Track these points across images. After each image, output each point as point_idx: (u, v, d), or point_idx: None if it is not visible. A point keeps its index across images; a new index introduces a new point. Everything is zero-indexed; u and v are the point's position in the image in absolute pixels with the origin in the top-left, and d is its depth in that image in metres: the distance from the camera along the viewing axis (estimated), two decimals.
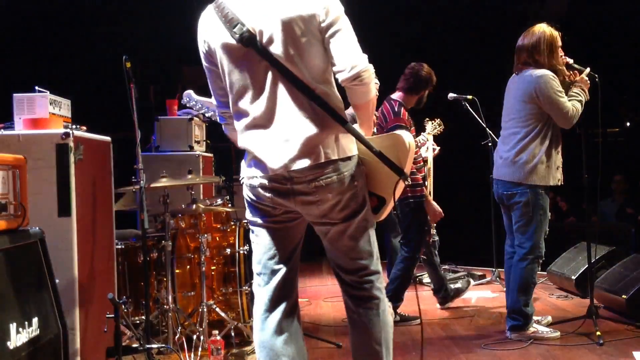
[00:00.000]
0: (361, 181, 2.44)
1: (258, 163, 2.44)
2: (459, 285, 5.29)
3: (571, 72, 4.07)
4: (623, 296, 4.45)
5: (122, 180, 3.82)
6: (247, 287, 4.06)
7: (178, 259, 4.09)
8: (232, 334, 3.93)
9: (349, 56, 2.32)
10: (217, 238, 4.30)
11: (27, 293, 2.59)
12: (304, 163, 2.34)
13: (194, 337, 3.78)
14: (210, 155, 5.42)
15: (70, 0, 7.89)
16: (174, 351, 3.64)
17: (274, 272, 2.55)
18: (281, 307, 2.54)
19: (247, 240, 4.19)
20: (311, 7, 2.32)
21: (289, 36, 2.32)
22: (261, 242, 2.56)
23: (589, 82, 4.08)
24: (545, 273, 5.70)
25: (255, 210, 2.55)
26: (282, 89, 2.36)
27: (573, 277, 5.26)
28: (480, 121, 5.53)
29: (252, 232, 2.60)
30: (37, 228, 2.75)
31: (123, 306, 3.44)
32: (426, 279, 5.30)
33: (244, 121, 2.45)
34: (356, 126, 2.48)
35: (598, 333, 3.94)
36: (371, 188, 2.50)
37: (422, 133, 5.32)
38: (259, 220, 2.55)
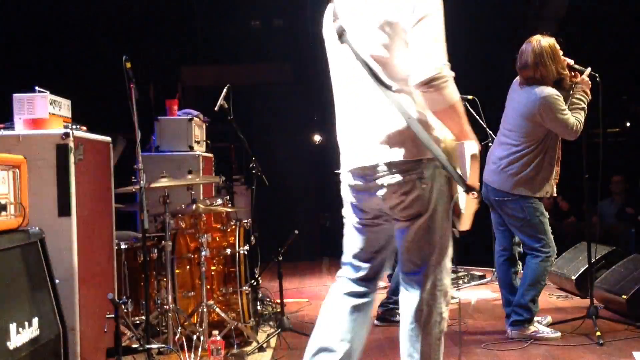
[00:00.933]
0: (432, 184, 2.36)
1: (342, 158, 2.53)
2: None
3: (572, 73, 4.07)
4: (623, 296, 4.45)
5: (122, 180, 3.82)
6: (247, 287, 4.06)
7: (178, 259, 4.08)
8: (232, 334, 3.93)
9: (422, 60, 2.24)
10: (217, 238, 4.30)
11: (27, 293, 2.59)
12: (371, 160, 2.37)
13: (194, 337, 3.78)
14: (210, 155, 5.42)
15: (71, 0, 7.89)
16: (174, 351, 3.64)
17: (356, 269, 2.61)
18: (354, 301, 2.58)
19: (247, 240, 4.19)
20: (400, 6, 2.29)
21: (375, 35, 2.33)
22: (348, 237, 2.63)
23: (589, 82, 4.09)
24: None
25: (345, 205, 2.60)
26: (364, 86, 2.38)
27: (573, 277, 5.26)
28: (481, 121, 5.52)
29: (344, 223, 2.66)
30: (37, 228, 2.76)
31: (123, 306, 3.44)
32: None
33: (337, 113, 2.54)
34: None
35: (598, 333, 3.94)
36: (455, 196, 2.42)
37: None
38: (348, 217, 2.61)
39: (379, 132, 2.37)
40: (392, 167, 2.35)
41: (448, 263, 2.47)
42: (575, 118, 3.93)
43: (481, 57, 7.84)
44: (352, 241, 2.62)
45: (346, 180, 2.54)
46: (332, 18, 2.49)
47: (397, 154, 2.34)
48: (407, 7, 2.28)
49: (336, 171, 2.59)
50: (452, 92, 2.27)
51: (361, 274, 2.62)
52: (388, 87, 2.33)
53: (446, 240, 2.44)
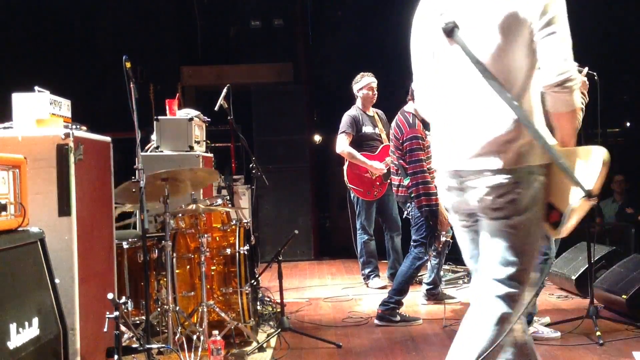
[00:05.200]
0: (527, 190, 2.33)
1: (440, 155, 2.51)
2: (447, 293, 5.41)
3: None
4: (623, 296, 4.45)
5: (122, 180, 3.82)
6: (247, 288, 4.06)
7: (178, 259, 4.09)
8: (232, 334, 3.93)
9: (558, 61, 2.22)
10: (217, 238, 4.30)
11: (27, 293, 2.59)
12: (473, 164, 2.36)
13: (194, 337, 3.78)
14: (210, 155, 5.42)
15: (71, 0, 7.89)
16: (174, 351, 3.64)
17: (474, 270, 2.62)
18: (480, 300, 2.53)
19: (247, 240, 4.19)
20: (528, 5, 2.25)
21: (494, 33, 2.29)
22: (460, 241, 2.65)
23: (587, 83, 4.09)
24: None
25: (449, 208, 2.61)
26: (473, 84, 2.35)
27: (573, 277, 5.26)
28: None
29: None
30: (37, 228, 2.76)
31: (123, 306, 3.44)
32: (426, 279, 5.35)
33: (438, 109, 2.50)
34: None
35: (598, 333, 3.94)
36: (555, 201, 2.37)
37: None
38: (452, 221, 2.64)
39: (486, 135, 2.33)
40: (491, 172, 2.33)
41: (532, 274, 2.42)
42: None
43: None
44: (462, 244, 2.65)
45: (442, 181, 2.53)
46: (435, 10, 2.41)
47: (499, 160, 2.31)
48: (537, 6, 2.24)
49: (432, 167, 2.58)
50: (578, 96, 2.28)
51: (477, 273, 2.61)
52: (502, 87, 2.28)
53: (533, 249, 2.41)
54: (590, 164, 2.24)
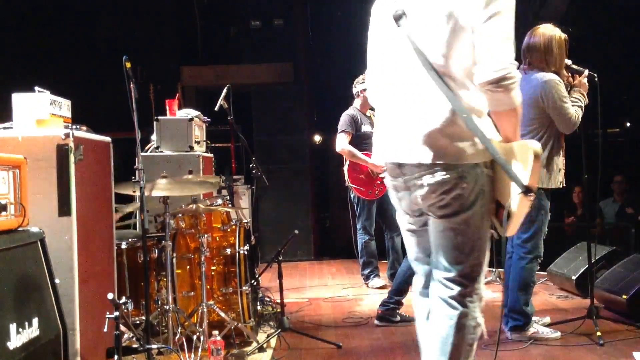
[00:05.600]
0: (474, 185, 2.30)
1: (378, 149, 2.49)
2: None
3: (569, 74, 4.07)
4: (623, 296, 4.45)
5: (122, 180, 3.82)
6: (247, 288, 4.06)
7: (178, 259, 4.08)
8: (232, 334, 3.93)
9: (494, 57, 2.17)
10: (217, 238, 4.30)
11: (27, 293, 2.59)
12: (414, 158, 2.31)
13: (194, 337, 3.78)
14: (210, 155, 5.42)
15: (71, 0, 7.89)
16: (174, 351, 3.64)
17: (426, 274, 2.60)
18: (430, 298, 2.53)
19: (247, 240, 4.19)
20: (470, 2, 2.20)
21: (437, 26, 2.25)
22: (415, 243, 2.62)
23: (587, 85, 4.09)
24: (545, 273, 5.70)
25: (397, 208, 2.60)
26: (417, 77, 2.30)
27: (573, 277, 5.26)
28: None
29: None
30: (37, 228, 2.75)
31: (123, 306, 3.44)
32: None
33: (382, 100, 2.47)
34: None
35: (598, 333, 3.94)
36: (500, 198, 2.34)
37: None
38: (400, 222, 2.62)
39: (424, 128, 2.28)
40: (434, 166, 2.28)
41: (484, 267, 2.42)
42: (575, 111, 3.93)
43: None
44: (409, 244, 2.63)
45: (388, 178, 2.51)
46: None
47: (441, 153, 2.27)
48: (480, 2, 2.19)
49: (385, 162, 2.52)
50: (517, 94, 2.22)
51: (424, 271, 2.61)
52: (444, 81, 2.24)
53: (483, 242, 2.39)
54: (525, 160, 2.21)
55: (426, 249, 2.56)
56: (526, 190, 2.17)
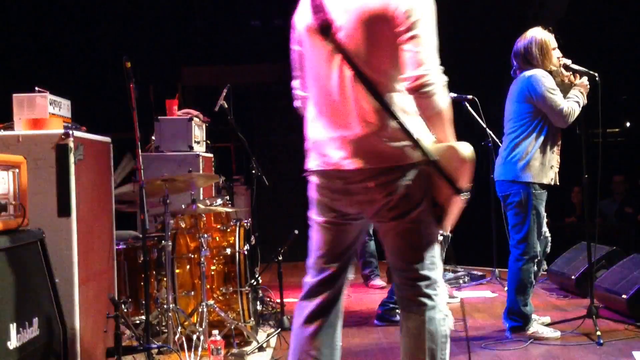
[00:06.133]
0: (418, 183, 2.33)
1: (317, 156, 2.47)
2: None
3: (569, 74, 4.08)
4: (623, 296, 4.45)
5: (122, 180, 3.82)
6: (247, 287, 4.06)
7: (178, 259, 4.09)
8: (232, 334, 3.93)
9: (415, 66, 2.22)
10: (217, 238, 4.30)
11: (27, 293, 2.59)
12: (355, 164, 2.33)
13: (194, 337, 3.78)
14: (210, 155, 5.42)
15: (70, 0, 7.88)
16: (174, 351, 3.64)
17: (321, 270, 2.59)
18: (318, 301, 2.56)
19: (247, 240, 4.19)
20: (391, 7, 2.24)
21: (362, 33, 2.29)
22: (314, 239, 2.59)
23: (588, 86, 4.09)
24: (545, 273, 5.70)
25: (313, 206, 2.57)
26: (348, 85, 2.34)
27: (573, 277, 5.26)
28: (481, 121, 5.53)
29: (310, 225, 2.62)
30: (37, 228, 2.76)
31: (123, 306, 3.44)
32: None
33: (313, 110, 2.49)
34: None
35: (598, 333, 3.94)
36: (437, 196, 2.38)
37: None
38: (315, 217, 2.57)
39: (360, 133, 2.32)
40: (375, 170, 2.32)
41: (439, 260, 2.46)
42: (568, 104, 3.94)
43: (481, 57, 7.84)
44: (317, 242, 2.58)
45: (319, 181, 2.49)
46: (312, 9, 2.41)
47: (380, 157, 2.31)
48: (401, 9, 2.23)
49: (307, 169, 2.53)
50: (441, 99, 2.25)
51: (324, 275, 2.58)
52: (375, 87, 2.29)
53: (435, 237, 2.44)
54: (456, 161, 2.28)
55: (337, 247, 2.55)
56: (457, 191, 2.27)
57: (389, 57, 2.28)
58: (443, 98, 2.26)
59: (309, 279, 2.62)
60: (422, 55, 2.22)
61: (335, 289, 2.60)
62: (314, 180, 2.52)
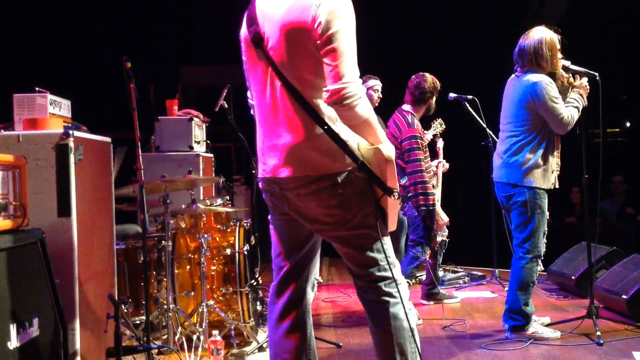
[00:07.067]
0: (352, 190, 2.36)
1: (260, 164, 2.51)
2: (446, 293, 5.40)
3: (569, 75, 4.07)
4: (623, 296, 4.45)
5: (122, 180, 3.82)
6: (247, 288, 4.06)
7: (178, 259, 4.08)
8: (232, 334, 3.93)
9: (334, 79, 2.24)
10: (217, 238, 4.30)
11: (27, 293, 2.59)
12: (286, 172, 2.38)
13: (194, 337, 3.78)
14: (210, 155, 5.42)
15: (70, 0, 7.88)
16: (174, 351, 3.64)
17: (280, 269, 2.61)
18: (283, 300, 2.58)
19: (247, 240, 4.19)
20: (310, 19, 2.26)
21: (285, 45, 2.33)
22: (272, 240, 2.62)
23: (588, 87, 4.08)
24: (545, 273, 5.70)
25: (268, 206, 2.61)
26: (278, 95, 2.38)
27: (573, 277, 5.26)
28: (480, 121, 5.53)
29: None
30: (37, 228, 2.76)
31: (123, 306, 3.44)
32: (424, 277, 5.37)
33: (257, 119, 2.53)
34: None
35: (598, 333, 3.94)
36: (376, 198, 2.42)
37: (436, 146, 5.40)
38: (269, 217, 2.62)
39: (292, 143, 2.36)
40: (306, 178, 2.35)
41: (394, 258, 2.49)
42: (568, 111, 3.93)
43: (481, 57, 7.85)
44: (274, 241, 2.62)
45: (263, 186, 2.54)
46: (247, 22, 2.46)
47: (310, 166, 2.34)
48: (317, 20, 2.25)
49: (257, 178, 2.57)
50: (363, 108, 2.28)
51: (282, 272, 2.60)
52: (301, 97, 2.32)
53: (384, 240, 2.45)
54: (384, 162, 2.34)
55: (290, 242, 2.58)
56: (386, 192, 2.33)
57: (312, 67, 2.31)
58: (364, 107, 2.29)
59: (274, 281, 2.64)
60: (340, 68, 2.24)
61: (297, 287, 2.60)
62: (260, 186, 2.56)
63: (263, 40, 2.38)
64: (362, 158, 2.36)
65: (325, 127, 2.32)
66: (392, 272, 2.46)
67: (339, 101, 2.24)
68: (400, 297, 2.46)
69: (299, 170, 2.36)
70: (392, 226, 2.47)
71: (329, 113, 2.35)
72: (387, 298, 2.46)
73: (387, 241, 2.47)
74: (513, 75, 4.15)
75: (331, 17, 2.25)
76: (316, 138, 2.34)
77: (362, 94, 2.28)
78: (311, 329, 2.64)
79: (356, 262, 2.48)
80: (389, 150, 2.36)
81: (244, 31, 2.50)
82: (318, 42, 2.27)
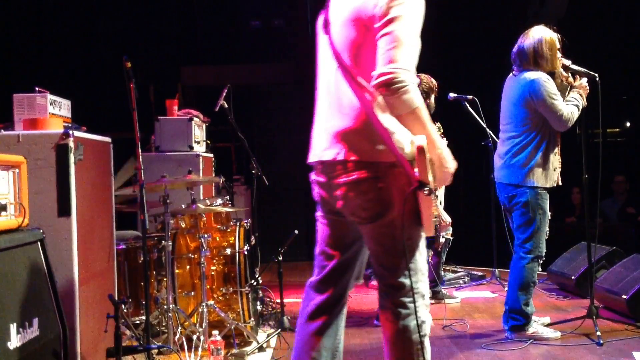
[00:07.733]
0: (390, 183, 2.27)
1: (311, 149, 2.49)
2: (446, 293, 5.40)
3: (568, 74, 4.07)
4: (623, 296, 4.45)
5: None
6: (247, 288, 4.06)
7: (178, 259, 4.08)
8: (232, 334, 3.93)
9: (384, 62, 2.17)
10: (217, 238, 4.30)
11: (27, 293, 2.59)
12: (331, 155, 2.34)
13: (194, 337, 3.78)
14: (210, 155, 5.42)
15: (70, 0, 7.88)
16: (174, 351, 3.64)
17: (322, 268, 2.56)
18: (320, 299, 2.55)
19: (247, 240, 4.19)
20: (372, 4, 2.24)
21: (345, 30, 2.33)
22: (317, 235, 2.57)
23: (588, 88, 4.08)
24: (545, 273, 5.70)
25: (316, 201, 2.56)
26: (334, 79, 2.38)
27: (573, 277, 5.26)
28: (480, 121, 5.53)
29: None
30: (37, 228, 2.75)
31: (123, 306, 3.44)
32: None
33: (317, 104, 2.51)
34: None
35: (598, 333, 3.94)
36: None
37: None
38: (317, 212, 2.56)
39: (340, 127, 2.33)
40: (348, 164, 2.30)
41: (422, 265, 2.39)
42: (568, 108, 3.93)
43: (481, 57, 7.84)
44: (319, 238, 2.56)
45: (313, 175, 2.51)
46: (323, 8, 2.48)
47: (354, 150, 2.29)
48: (376, 4, 2.23)
49: (308, 162, 2.52)
50: (411, 98, 2.18)
51: (324, 273, 2.56)
52: (357, 84, 2.28)
53: (414, 242, 2.36)
54: (417, 154, 2.19)
55: (336, 242, 2.53)
56: (421, 186, 2.17)
57: (370, 54, 2.26)
58: (413, 97, 2.19)
59: (313, 277, 2.62)
60: (392, 52, 2.16)
61: (336, 290, 2.56)
62: (311, 178, 2.54)
63: (328, 25, 2.39)
64: (403, 152, 2.24)
65: (375, 117, 2.22)
66: (412, 281, 2.35)
67: (383, 85, 2.15)
68: (415, 309, 2.37)
69: (342, 153, 2.30)
70: (428, 229, 2.31)
71: (381, 101, 2.26)
72: (399, 309, 2.38)
73: (414, 246, 2.35)
74: (510, 75, 4.16)
75: (393, 4, 2.20)
76: (364, 125, 2.28)
77: (412, 82, 2.18)
78: (342, 333, 2.62)
79: (379, 262, 2.41)
80: (421, 140, 2.20)
81: (319, 19, 2.52)
82: (376, 25, 2.22)
